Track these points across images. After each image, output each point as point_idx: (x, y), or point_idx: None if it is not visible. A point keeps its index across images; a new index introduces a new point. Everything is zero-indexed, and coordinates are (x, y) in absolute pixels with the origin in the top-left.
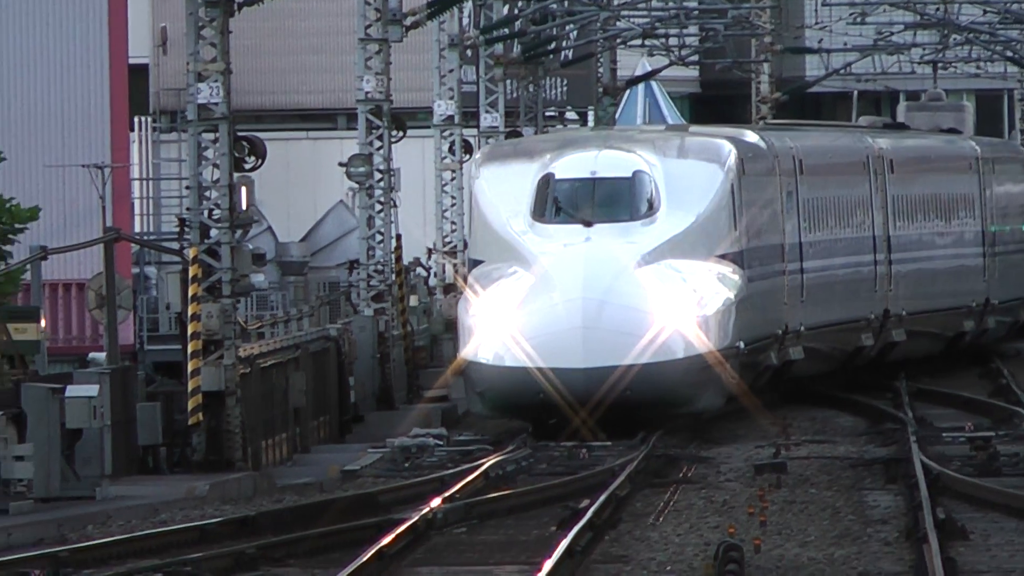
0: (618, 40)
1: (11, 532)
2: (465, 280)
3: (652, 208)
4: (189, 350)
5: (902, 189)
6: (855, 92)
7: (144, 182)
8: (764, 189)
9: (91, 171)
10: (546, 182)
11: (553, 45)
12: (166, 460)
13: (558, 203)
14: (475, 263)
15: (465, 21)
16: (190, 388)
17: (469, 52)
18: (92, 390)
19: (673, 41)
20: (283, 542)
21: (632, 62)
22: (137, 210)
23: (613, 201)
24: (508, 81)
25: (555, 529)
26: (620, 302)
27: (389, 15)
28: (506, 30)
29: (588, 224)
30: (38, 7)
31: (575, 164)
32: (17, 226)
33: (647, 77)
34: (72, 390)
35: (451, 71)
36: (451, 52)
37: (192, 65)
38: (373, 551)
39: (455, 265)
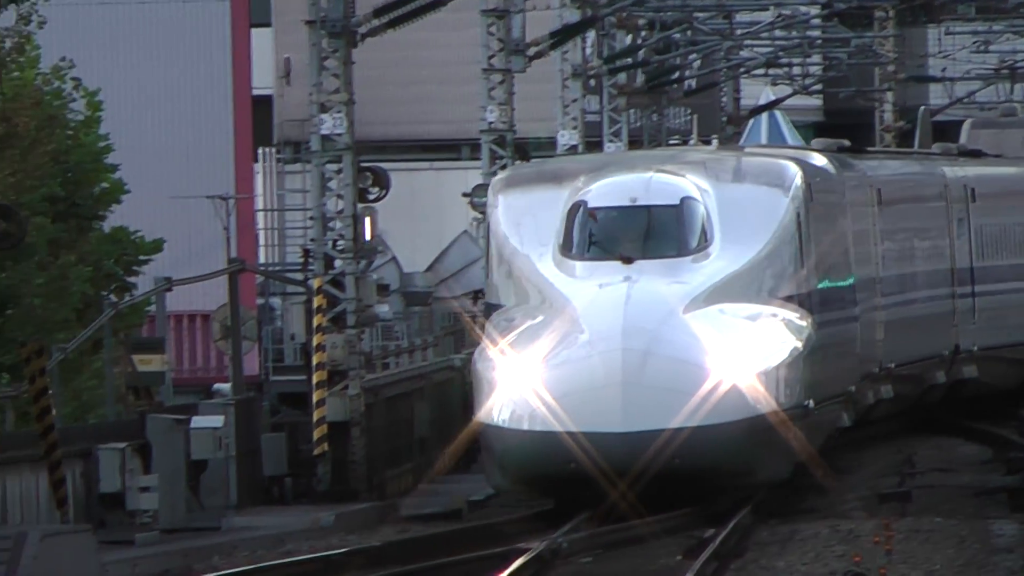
0: (741, 69)
1: (137, 563)
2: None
3: (705, 242)
4: (314, 380)
5: (984, 219)
6: (967, 120)
7: (268, 213)
8: (835, 219)
9: (215, 202)
10: (578, 211)
11: (676, 74)
12: (291, 491)
13: (592, 236)
14: (492, 308)
15: (588, 51)
16: (315, 418)
17: (592, 82)
18: (217, 421)
19: (796, 70)
20: (408, 572)
21: (755, 91)
22: (261, 241)
23: (658, 233)
24: (631, 111)
25: (680, 559)
26: (667, 353)
27: (512, 45)
28: (629, 60)
29: (628, 261)
30: (163, 40)
31: (613, 190)
32: (142, 258)
33: (770, 106)
34: (197, 421)
35: (574, 101)
36: (574, 82)
37: (315, 96)
38: None
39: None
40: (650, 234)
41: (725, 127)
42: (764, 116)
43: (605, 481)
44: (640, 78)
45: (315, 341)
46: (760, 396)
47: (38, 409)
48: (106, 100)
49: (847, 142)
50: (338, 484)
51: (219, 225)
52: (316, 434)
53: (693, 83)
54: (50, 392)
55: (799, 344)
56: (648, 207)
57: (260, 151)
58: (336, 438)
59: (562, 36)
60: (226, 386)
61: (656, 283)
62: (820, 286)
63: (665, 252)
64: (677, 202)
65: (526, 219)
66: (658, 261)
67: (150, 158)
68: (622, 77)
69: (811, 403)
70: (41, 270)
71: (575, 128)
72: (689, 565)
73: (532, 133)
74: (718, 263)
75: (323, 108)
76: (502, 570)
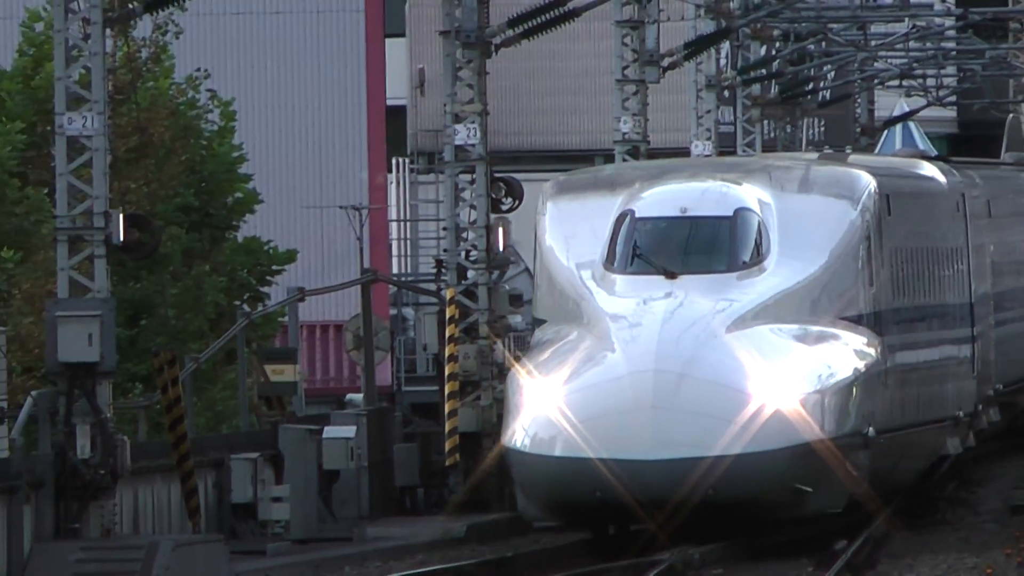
0: (875, 81)
1: (268, 574)
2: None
3: (759, 256)
4: (446, 391)
5: None
6: None
7: (401, 223)
8: (918, 234)
9: (349, 212)
10: (624, 222)
11: (810, 85)
12: (423, 501)
13: (636, 248)
14: (538, 323)
15: (722, 61)
16: (447, 429)
17: (726, 92)
18: (349, 431)
19: (931, 81)
20: None
21: (890, 102)
22: (394, 251)
23: (708, 247)
24: (765, 122)
25: (812, 571)
26: (703, 376)
27: (646, 56)
28: (763, 71)
29: (672, 276)
30: (297, 51)
31: (662, 199)
32: (275, 268)
33: (905, 118)
34: (330, 431)
35: (708, 112)
36: (708, 93)
37: (449, 106)
38: None
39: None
40: (698, 247)
41: (859, 138)
42: (898, 127)
43: (635, 512)
44: (774, 89)
45: (447, 352)
46: (804, 423)
47: (171, 419)
48: (240, 110)
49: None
50: (470, 494)
51: (352, 235)
52: (448, 445)
53: (828, 94)
54: (183, 402)
55: (857, 366)
56: (698, 218)
57: (393, 161)
58: (468, 449)
59: (696, 47)
60: (358, 396)
61: (699, 300)
62: (893, 306)
63: (713, 267)
64: (730, 213)
65: (573, 228)
66: (704, 277)
67: (284, 168)
68: (756, 88)
69: (871, 431)
70: (175, 280)
71: (708, 139)
72: None
73: (666, 144)
74: (772, 280)
75: (457, 118)
76: None
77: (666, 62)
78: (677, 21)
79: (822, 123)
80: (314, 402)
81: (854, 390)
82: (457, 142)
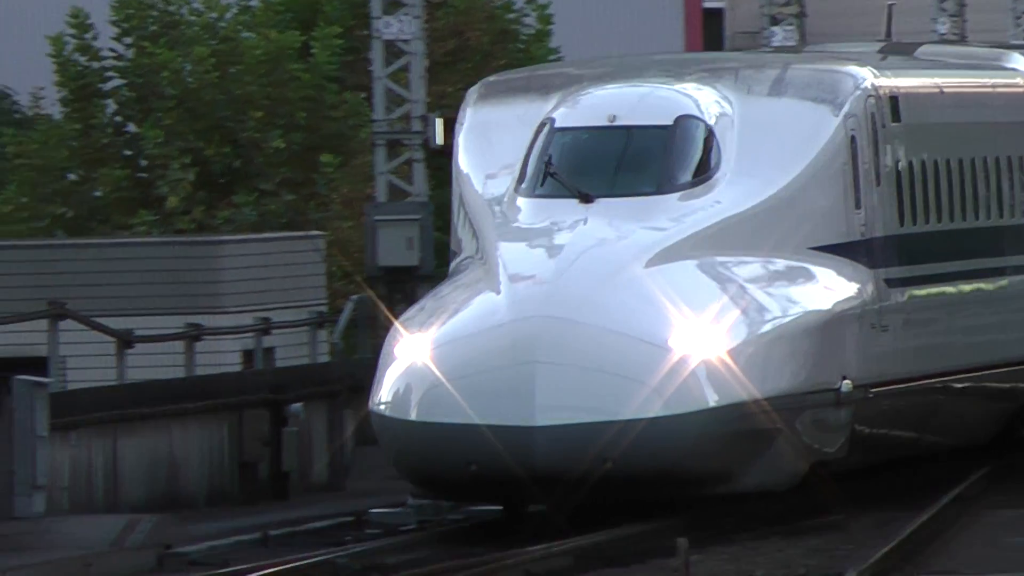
0: None
1: None
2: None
3: (706, 174)
4: None
5: None
6: None
7: None
8: (967, 141)
9: None
10: (540, 133)
11: None
12: None
13: (549, 166)
14: (452, 258)
15: None
16: None
17: None
18: None
19: None
20: None
21: None
22: None
23: (638, 164)
24: None
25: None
26: (602, 323)
27: None
28: None
29: (587, 200)
30: None
31: (589, 105)
32: None
33: None
34: None
35: None
36: None
37: (767, 8)
38: None
39: None
40: (626, 165)
41: None
42: None
43: (518, 488)
44: None
45: None
46: (729, 379)
47: None
48: (556, 14)
49: None
50: None
51: None
52: None
53: None
54: None
55: (820, 306)
56: (628, 128)
57: None
58: None
59: None
60: None
61: (616, 229)
62: (898, 232)
63: (640, 188)
64: (669, 123)
65: (493, 140)
66: (629, 200)
67: None
68: None
69: (844, 385)
70: None
71: None
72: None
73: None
74: (718, 203)
75: (774, 20)
76: None
77: None
78: None
79: None
80: None
81: (812, 335)
82: (774, 44)
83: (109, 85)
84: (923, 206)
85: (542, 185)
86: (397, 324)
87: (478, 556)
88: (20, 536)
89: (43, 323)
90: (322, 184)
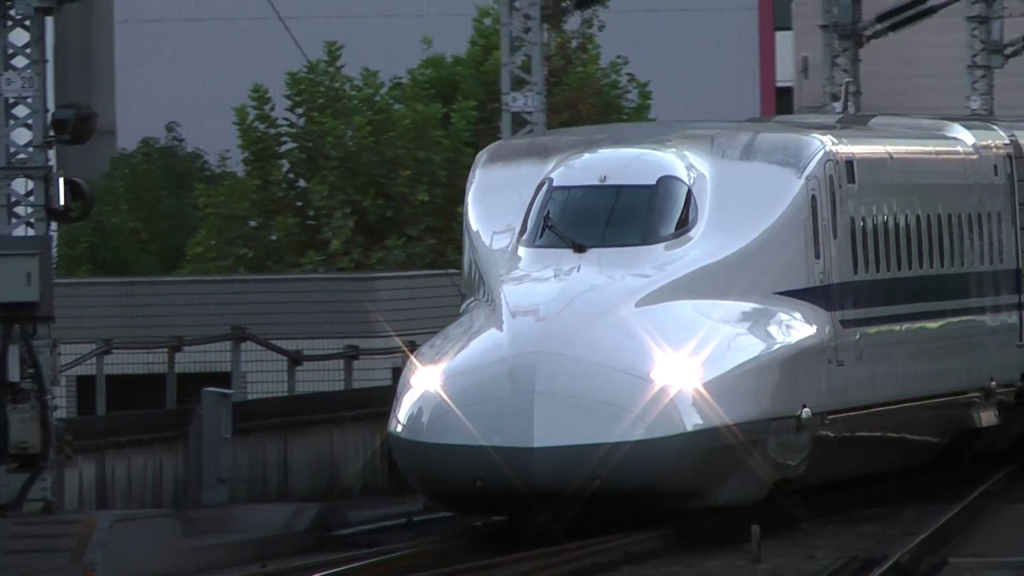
0: None
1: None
2: None
3: (685, 228)
4: None
5: None
6: None
7: None
8: (912, 200)
9: None
10: (540, 191)
11: None
12: None
13: (548, 220)
14: (463, 300)
15: None
16: None
17: None
18: None
19: None
20: None
21: None
22: None
23: (625, 218)
24: None
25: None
26: (591, 357)
27: (992, 46)
28: None
29: (580, 249)
30: (702, 42)
31: (582, 166)
32: None
33: None
34: None
35: None
36: None
37: (828, 87)
38: None
39: None
40: (615, 219)
41: None
42: None
43: (517, 502)
44: None
45: None
46: (703, 407)
47: None
48: (654, 90)
49: None
50: None
51: None
52: None
53: None
54: None
55: (784, 343)
56: (617, 187)
57: None
58: None
59: None
60: None
61: (606, 275)
62: (863, 279)
63: (628, 240)
64: (652, 182)
65: (499, 198)
66: (617, 250)
67: None
68: None
69: (805, 412)
70: None
71: None
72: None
73: None
74: (695, 253)
75: (834, 97)
76: None
77: (1009, 51)
78: (1018, 17)
79: None
80: None
81: (776, 369)
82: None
83: (283, 148)
84: (874, 257)
85: (541, 236)
86: (412, 357)
87: (592, 545)
88: (207, 520)
89: (228, 344)
90: (459, 231)
